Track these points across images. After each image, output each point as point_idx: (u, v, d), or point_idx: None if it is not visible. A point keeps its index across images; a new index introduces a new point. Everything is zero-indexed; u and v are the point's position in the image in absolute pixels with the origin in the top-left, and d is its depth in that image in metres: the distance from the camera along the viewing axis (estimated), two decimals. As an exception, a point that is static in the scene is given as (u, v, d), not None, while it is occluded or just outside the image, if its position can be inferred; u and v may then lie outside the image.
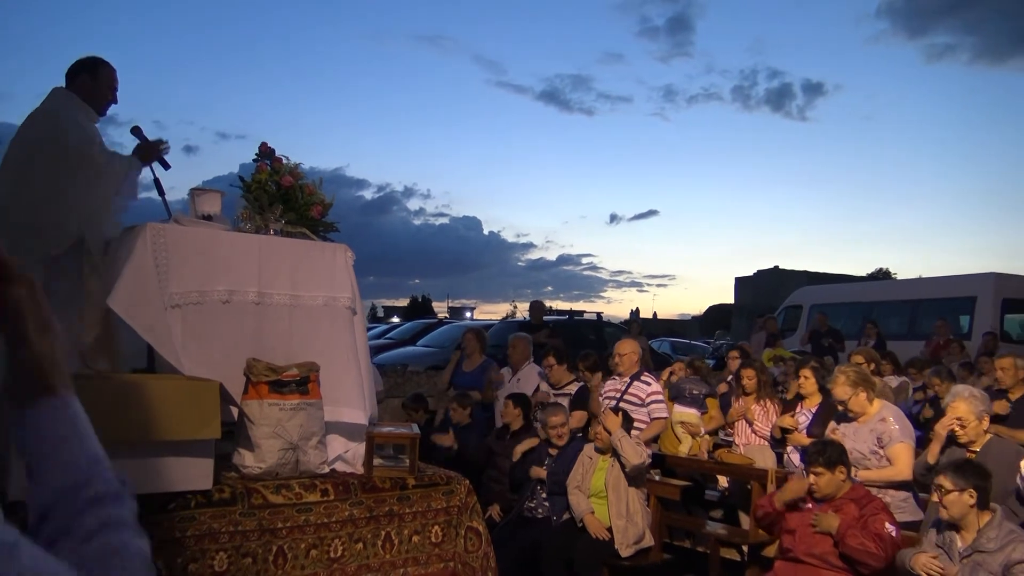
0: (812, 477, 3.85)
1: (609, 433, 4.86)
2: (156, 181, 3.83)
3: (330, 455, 3.31)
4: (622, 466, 4.80)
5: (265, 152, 3.63)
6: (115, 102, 3.87)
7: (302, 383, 3.03)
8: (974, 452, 4.04)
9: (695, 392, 6.48)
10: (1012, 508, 3.89)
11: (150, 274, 3.00)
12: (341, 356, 3.39)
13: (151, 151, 3.75)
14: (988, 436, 4.13)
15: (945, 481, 3.38)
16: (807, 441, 4.87)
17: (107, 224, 3.50)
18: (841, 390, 4.59)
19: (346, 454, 3.36)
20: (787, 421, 5.47)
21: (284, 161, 3.64)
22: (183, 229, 3.21)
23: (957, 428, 4.13)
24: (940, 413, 5.57)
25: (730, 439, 6.32)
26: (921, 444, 5.63)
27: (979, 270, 14.61)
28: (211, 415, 2.71)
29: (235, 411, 3.05)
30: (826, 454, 3.87)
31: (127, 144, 4.00)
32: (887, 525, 3.68)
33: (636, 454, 4.75)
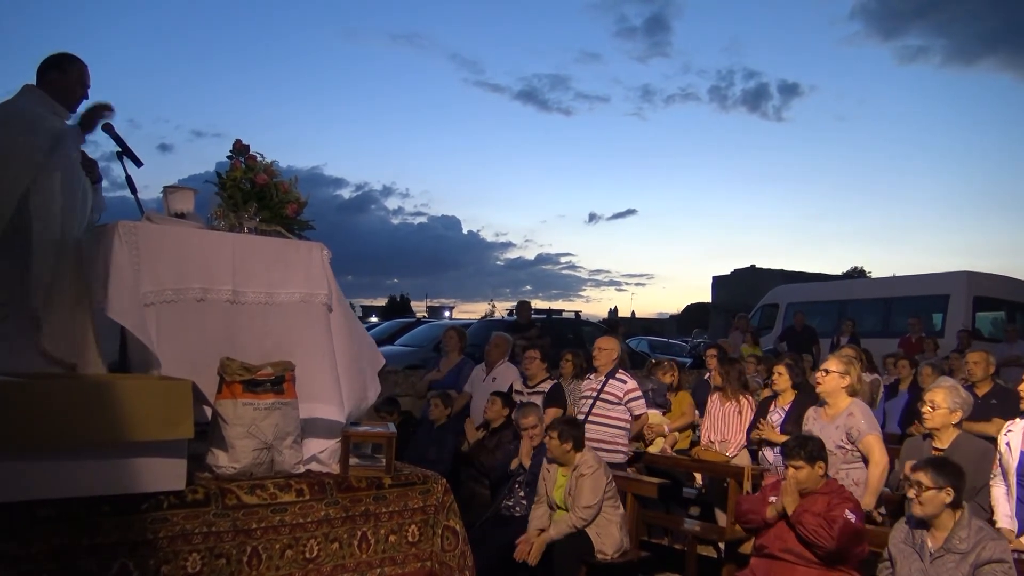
0: (791, 471, 3.88)
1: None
2: (128, 179, 3.78)
3: (306, 455, 3.29)
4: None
5: (239, 149, 3.59)
6: (86, 98, 3.81)
7: (277, 382, 3.01)
8: (941, 449, 4.09)
9: (652, 390, 6.56)
10: (980, 503, 3.96)
11: (130, 272, 2.97)
12: (318, 354, 3.36)
13: (92, 117, 3.65)
14: (956, 433, 4.18)
15: (924, 478, 3.38)
16: (781, 439, 4.91)
17: (50, 205, 3.40)
18: (834, 363, 4.69)
19: (322, 454, 3.34)
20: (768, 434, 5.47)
21: (259, 159, 3.61)
22: (156, 227, 3.17)
23: (927, 410, 4.18)
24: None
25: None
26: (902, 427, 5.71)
27: (952, 269, 14.83)
28: (183, 415, 2.68)
29: (208, 411, 3.02)
30: (807, 448, 3.90)
31: (100, 142, 3.95)
32: (847, 512, 3.70)
33: (581, 519, 4.69)
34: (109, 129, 3.77)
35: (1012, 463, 3.90)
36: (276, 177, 3.60)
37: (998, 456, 4.03)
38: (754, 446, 5.59)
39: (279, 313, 3.34)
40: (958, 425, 4.24)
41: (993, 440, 4.37)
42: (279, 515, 2.96)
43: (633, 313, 54.14)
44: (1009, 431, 4.01)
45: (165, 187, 3.48)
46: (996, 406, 5.48)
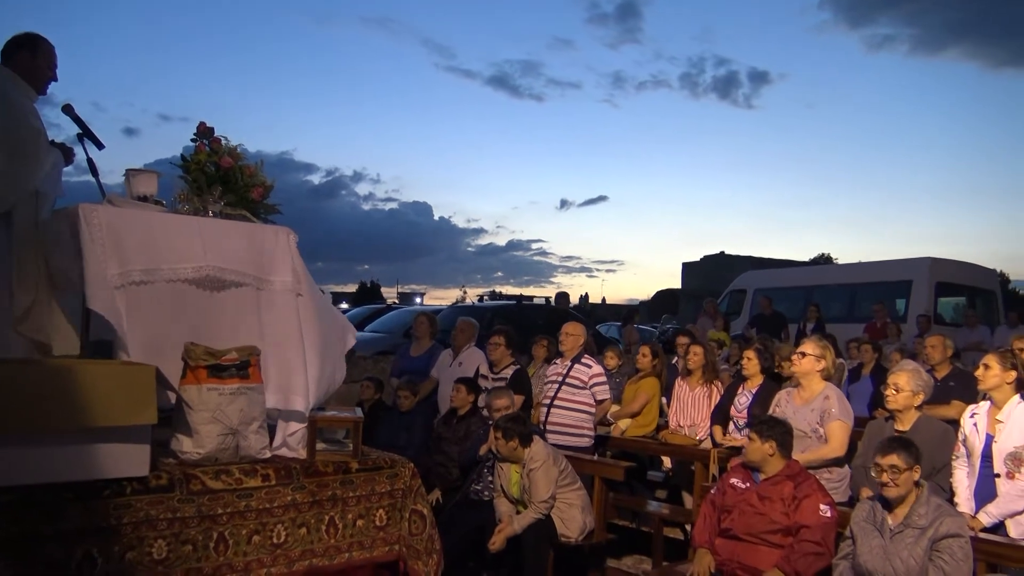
0: (747, 441, 3.99)
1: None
2: (89, 161, 3.72)
3: (275, 440, 3.28)
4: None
5: (203, 132, 3.55)
6: (55, 80, 3.75)
7: (242, 367, 2.98)
8: (902, 431, 4.17)
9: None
10: (939, 483, 4.05)
11: (95, 255, 2.93)
12: (284, 340, 3.35)
13: (66, 155, 3.69)
14: (918, 415, 4.27)
15: (899, 460, 3.44)
16: (740, 442, 5.01)
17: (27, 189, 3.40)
18: (811, 346, 4.77)
19: (289, 439, 3.33)
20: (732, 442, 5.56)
21: (223, 142, 3.57)
22: (118, 210, 3.13)
23: (891, 393, 4.26)
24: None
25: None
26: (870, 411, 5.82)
27: (915, 255, 15.08)
28: (147, 400, 2.66)
29: (173, 396, 2.99)
30: (765, 425, 4.00)
31: (64, 125, 3.89)
32: (820, 507, 3.77)
33: (537, 514, 4.73)
34: (69, 111, 3.70)
35: (978, 444, 4.00)
36: (241, 160, 3.57)
37: (961, 437, 4.12)
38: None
39: (245, 298, 3.32)
40: (919, 407, 4.33)
41: (951, 422, 4.47)
42: (245, 500, 2.95)
43: (604, 299, 54.48)
44: (975, 413, 4.10)
45: (128, 170, 3.43)
46: (954, 388, 5.60)
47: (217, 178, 3.46)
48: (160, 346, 3.03)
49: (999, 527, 3.83)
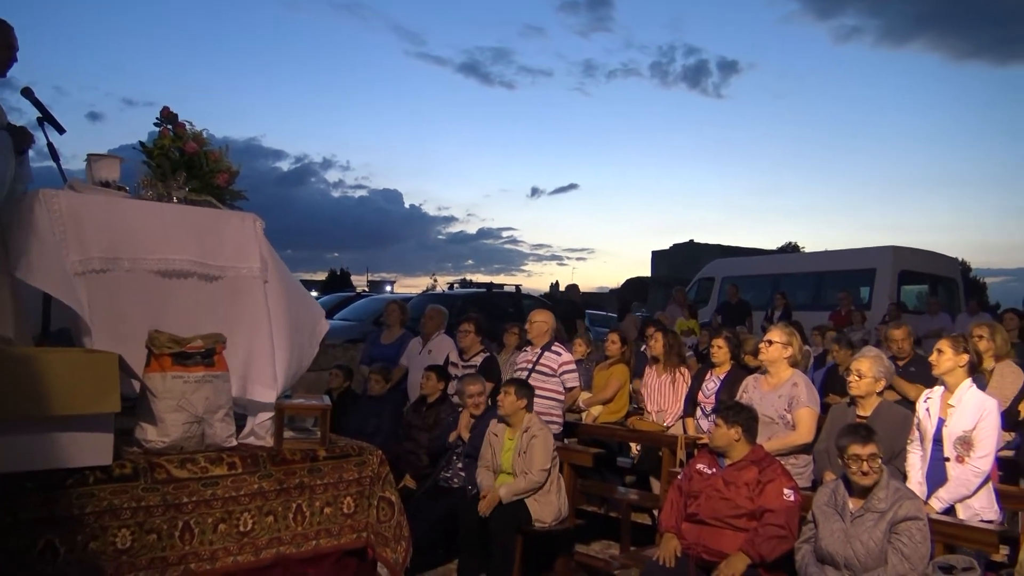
0: (713, 426, 4.04)
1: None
2: (50, 146, 3.65)
3: (243, 428, 3.25)
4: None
5: (167, 117, 3.49)
6: (15, 61, 3.67)
7: (207, 355, 2.96)
8: (864, 416, 4.25)
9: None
10: (897, 467, 4.14)
11: (53, 241, 2.88)
12: (252, 327, 3.32)
13: (25, 138, 3.59)
14: (879, 401, 4.35)
15: (876, 449, 3.51)
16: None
17: None
18: (778, 333, 4.85)
19: (257, 427, 3.30)
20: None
21: (188, 127, 3.52)
22: (80, 196, 3.07)
23: (854, 379, 4.34)
24: (840, 380, 5.87)
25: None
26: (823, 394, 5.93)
27: (879, 243, 15.30)
28: (110, 388, 2.62)
29: (137, 385, 2.96)
30: (732, 411, 4.06)
31: (25, 109, 3.79)
32: (784, 491, 3.84)
33: (530, 485, 4.80)
34: (29, 94, 3.63)
35: (930, 428, 4.08)
36: (206, 146, 3.52)
37: (916, 422, 4.20)
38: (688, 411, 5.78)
39: (211, 285, 3.28)
40: (881, 393, 4.41)
41: (912, 405, 4.56)
42: (211, 489, 2.94)
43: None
44: (928, 398, 4.18)
45: (89, 154, 3.37)
46: (914, 374, 5.72)
47: (181, 163, 3.41)
48: (124, 334, 2.99)
49: (949, 510, 3.92)
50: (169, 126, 3.49)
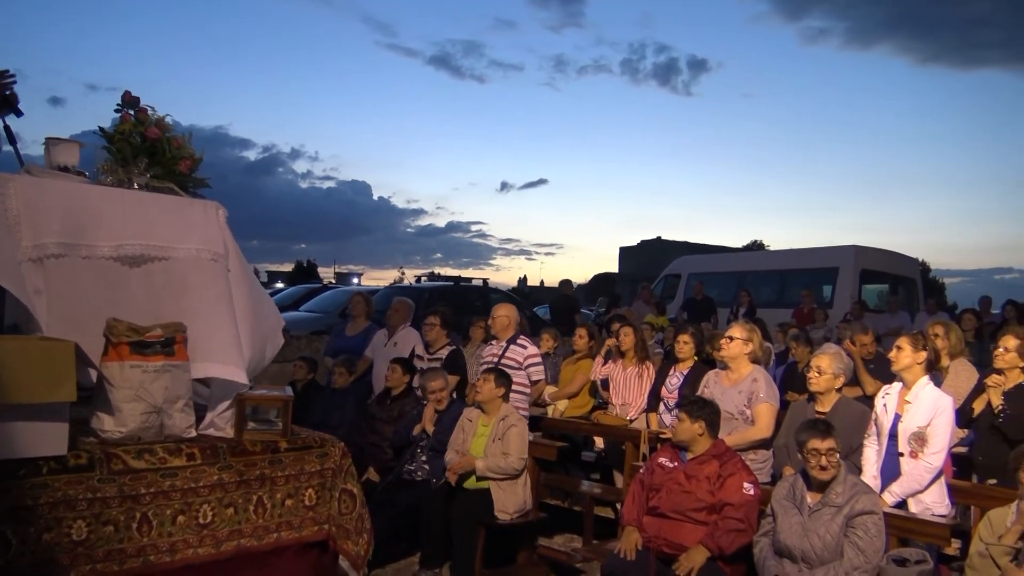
0: (676, 420, 4.09)
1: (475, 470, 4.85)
2: (6, 129, 3.56)
3: (204, 419, 3.21)
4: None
5: (129, 101, 3.43)
6: None
7: (167, 344, 2.92)
8: (823, 412, 4.32)
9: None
10: (854, 462, 4.21)
11: (4, 227, 2.81)
12: (216, 315, 3.27)
13: None
14: (837, 396, 4.42)
15: (834, 443, 3.58)
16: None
17: None
18: (738, 330, 4.92)
19: (217, 419, 3.27)
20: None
21: (150, 112, 3.46)
22: (36, 180, 3.00)
23: (814, 375, 4.41)
24: (798, 377, 5.95)
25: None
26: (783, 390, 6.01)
27: (842, 243, 15.53)
28: (65, 377, 2.57)
29: (94, 374, 2.91)
30: (695, 405, 4.11)
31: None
32: (744, 485, 3.89)
33: (509, 467, 4.80)
34: None
35: (886, 423, 4.16)
36: (169, 132, 3.46)
37: (874, 417, 4.28)
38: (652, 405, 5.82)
39: (173, 273, 3.23)
40: (839, 390, 4.48)
41: (870, 400, 4.64)
42: (169, 480, 2.90)
43: (542, 282, 54.96)
44: (887, 394, 4.26)
45: (47, 138, 3.29)
46: (874, 371, 5.83)
47: (143, 149, 3.35)
48: (81, 322, 2.93)
49: (901, 504, 4.00)
50: (131, 111, 3.43)
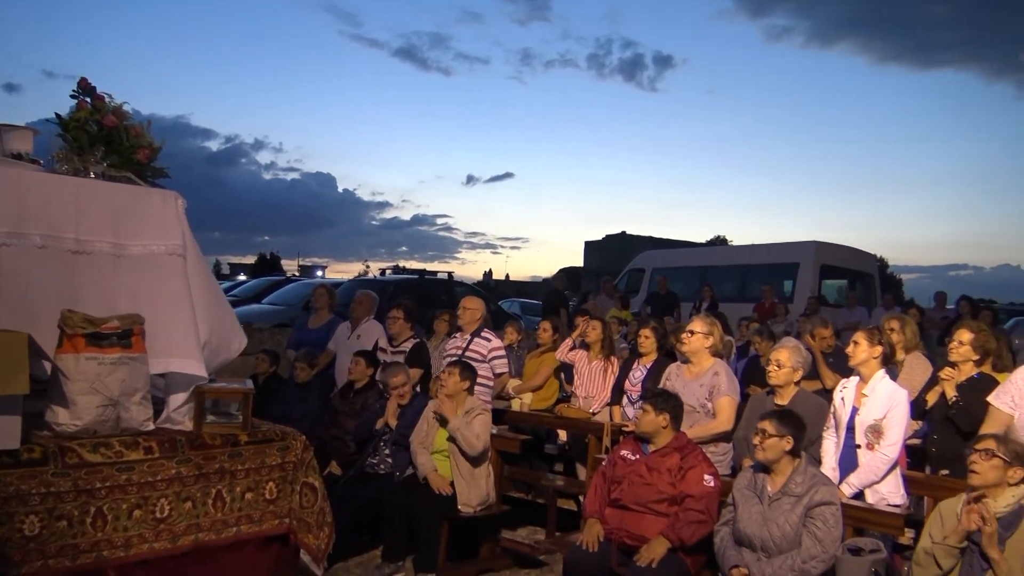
0: (640, 412, 4.13)
1: (449, 422, 4.88)
2: None
3: (161, 412, 3.16)
4: (462, 451, 4.84)
5: (85, 88, 3.36)
6: None
7: (124, 336, 2.87)
8: (782, 405, 4.38)
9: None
10: (813, 455, 4.28)
11: None
12: (173, 307, 3.22)
13: None
14: (796, 389, 4.49)
15: (768, 426, 3.64)
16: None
17: None
18: (699, 324, 4.97)
19: (174, 413, 3.22)
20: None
21: (107, 99, 3.39)
22: (-13, 168, 2.93)
23: (773, 368, 4.47)
24: (761, 370, 6.04)
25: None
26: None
27: (802, 238, 15.76)
28: (17, 369, 2.52)
29: (48, 366, 2.85)
30: (660, 398, 4.15)
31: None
32: (705, 477, 3.94)
33: (475, 443, 4.80)
34: None
35: (844, 416, 4.23)
36: (127, 120, 3.40)
37: (832, 410, 4.36)
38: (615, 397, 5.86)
39: (130, 264, 3.18)
40: (798, 383, 4.56)
41: (829, 394, 4.72)
42: (126, 474, 2.85)
43: (507, 276, 55.05)
44: (844, 387, 4.34)
45: (0, 125, 3.21)
46: (833, 365, 5.93)
47: (100, 138, 3.29)
48: (35, 313, 2.87)
49: (859, 495, 4.08)
50: (87, 98, 3.37)
